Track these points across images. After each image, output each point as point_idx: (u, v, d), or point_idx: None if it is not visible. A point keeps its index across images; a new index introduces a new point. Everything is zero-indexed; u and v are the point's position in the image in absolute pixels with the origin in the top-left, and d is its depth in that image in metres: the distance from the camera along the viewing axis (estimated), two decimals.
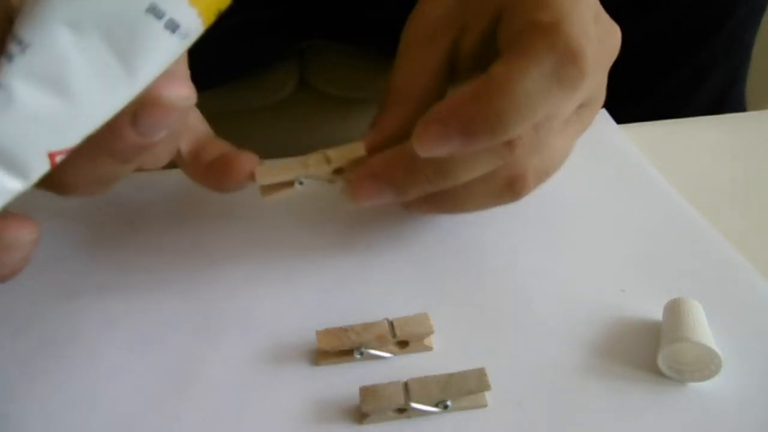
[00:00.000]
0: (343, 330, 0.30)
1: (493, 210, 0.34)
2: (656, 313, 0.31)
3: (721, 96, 0.58)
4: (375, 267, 0.35)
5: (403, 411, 0.27)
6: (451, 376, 0.27)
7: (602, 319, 0.31)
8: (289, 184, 0.32)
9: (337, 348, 0.29)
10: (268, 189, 0.32)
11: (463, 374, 0.27)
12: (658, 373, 0.28)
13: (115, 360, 0.31)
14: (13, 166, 0.20)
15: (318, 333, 0.30)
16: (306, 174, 0.32)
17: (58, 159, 0.20)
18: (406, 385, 0.27)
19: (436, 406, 0.27)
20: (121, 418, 0.28)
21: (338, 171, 0.32)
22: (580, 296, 0.32)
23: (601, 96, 0.33)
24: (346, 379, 0.29)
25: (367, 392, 0.27)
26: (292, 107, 0.60)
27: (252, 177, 0.31)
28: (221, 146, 0.33)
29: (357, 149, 0.32)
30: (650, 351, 0.29)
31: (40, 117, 0.19)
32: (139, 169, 0.28)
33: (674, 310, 0.29)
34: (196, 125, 0.33)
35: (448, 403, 0.27)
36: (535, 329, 0.31)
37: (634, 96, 0.45)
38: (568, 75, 0.26)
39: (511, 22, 0.30)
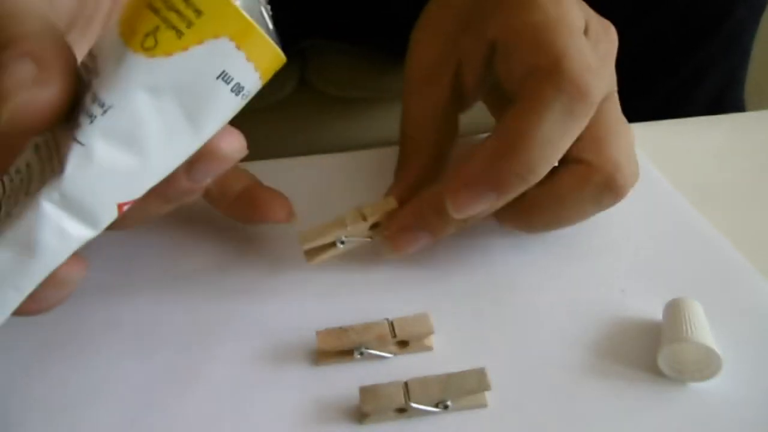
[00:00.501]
0: (343, 330, 0.30)
1: None
2: (656, 313, 0.31)
3: (720, 96, 0.58)
4: (375, 267, 0.35)
5: (403, 411, 0.27)
6: (451, 376, 0.27)
7: (602, 319, 0.31)
8: (332, 245, 0.33)
9: (337, 348, 0.29)
10: (312, 252, 0.34)
11: (463, 374, 0.27)
12: (658, 373, 0.28)
13: (115, 360, 0.31)
14: (87, 216, 0.21)
15: (318, 333, 0.30)
16: (345, 233, 0.33)
17: (125, 209, 0.22)
18: (406, 385, 0.27)
19: (436, 406, 0.27)
20: (122, 417, 0.28)
21: (374, 226, 0.34)
22: (580, 296, 0.32)
23: (614, 85, 0.33)
24: (346, 379, 0.29)
25: (367, 392, 0.27)
26: (292, 107, 0.60)
27: (285, 220, 0.33)
28: (244, 177, 0.34)
29: (390, 203, 0.34)
30: (650, 351, 0.29)
31: (114, 173, 0.21)
32: None
33: (674, 310, 0.29)
34: None
35: (448, 403, 0.27)
36: (535, 329, 0.31)
37: (632, 96, 0.45)
38: (579, 110, 0.27)
39: (508, 61, 0.31)
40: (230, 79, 0.21)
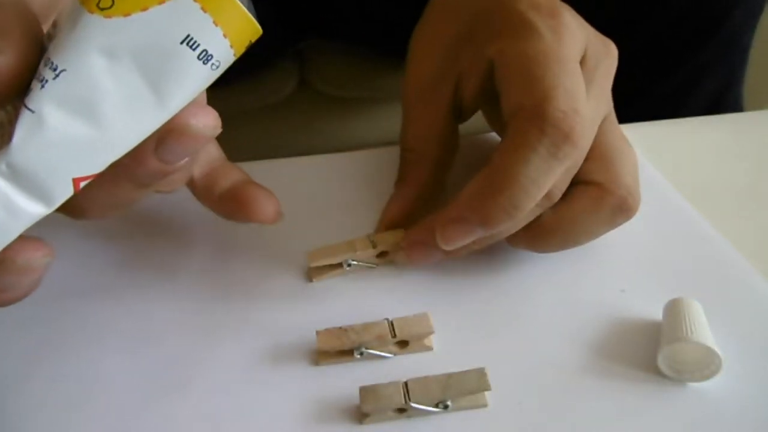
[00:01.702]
0: (343, 330, 0.30)
1: None
2: (656, 313, 0.30)
3: (719, 98, 0.58)
4: (376, 267, 0.35)
5: (403, 411, 0.27)
6: (451, 376, 0.27)
7: (602, 319, 0.31)
8: (338, 266, 0.34)
9: (337, 348, 0.29)
10: (318, 271, 0.34)
11: (463, 374, 0.27)
12: (658, 373, 0.28)
13: (114, 360, 0.31)
14: (38, 191, 0.20)
15: (318, 333, 0.30)
16: (353, 257, 0.34)
17: (82, 185, 0.20)
18: (406, 385, 0.27)
19: (436, 406, 0.27)
20: (121, 417, 0.28)
21: (382, 255, 0.34)
22: (580, 296, 0.32)
23: (611, 105, 0.34)
24: (346, 379, 0.29)
25: (367, 392, 0.27)
26: (292, 107, 0.60)
27: (271, 221, 0.32)
28: (234, 174, 0.33)
29: (399, 234, 0.34)
30: (650, 351, 0.29)
31: (68, 143, 0.19)
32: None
33: (674, 310, 0.29)
34: (210, 149, 0.33)
35: (448, 403, 0.27)
36: (535, 329, 0.31)
37: (631, 98, 0.46)
38: (563, 152, 0.28)
39: (501, 89, 0.31)
40: (196, 44, 0.19)
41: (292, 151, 0.45)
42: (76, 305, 0.34)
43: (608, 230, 0.33)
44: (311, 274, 0.34)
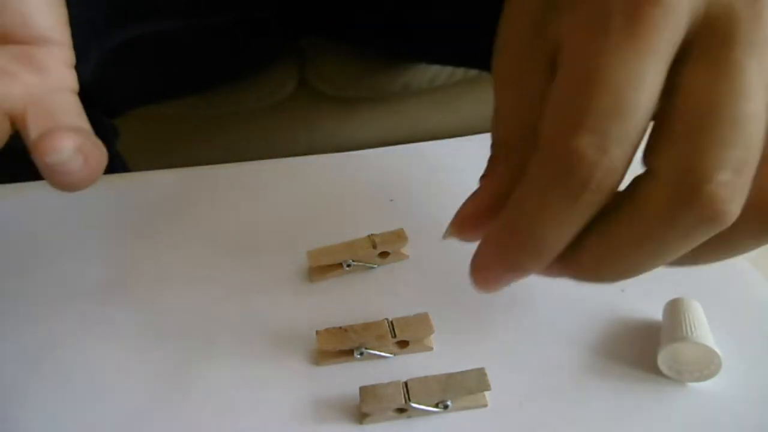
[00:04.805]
0: (343, 330, 0.30)
1: None
2: (656, 313, 0.31)
3: None
4: (376, 267, 0.35)
5: (403, 411, 0.27)
6: (451, 376, 0.27)
7: (602, 319, 0.31)
8: (338, 266, 0.34)
9: (337, 348, 0.29)
10: (318, 271, 0.34)
11: (463, 374, 0.27)
12: (658, 373, 0.28)
13: (115, 360, 0.31)
14: None
15: (318, 333, 0.30)
16: (353, 257, 0.34)
17: None
18: (406, 385, 0.27)
19: (436, 406, 0.27)
20: (122, 417, 0.28)
21: (382, 254, 0.34)
22: (580, 296, 0.32)
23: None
24: (346, 379, 0.29)
25: (367, 392, 0.27)
26: (292, 107, 0.60)
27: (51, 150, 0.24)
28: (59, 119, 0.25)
29: (400, 234, 0.34)
30: (650, 351, 0.29)
31: None
32: None
33: (674, 310, 0.29)
34: (62, 114, 0.26)
35: (448, 403, 0.27)
36: (535, 329, 0.31)
37: None
38: (582, 199, 0.22)
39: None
40: None
41: (292, 151, 0.45)
42: (76, 305, 0.34)
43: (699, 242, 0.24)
44: (311, 274, 0.34)
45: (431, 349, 0.30)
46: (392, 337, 0.30)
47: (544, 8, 0.27)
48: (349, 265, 0.34)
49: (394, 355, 0.30)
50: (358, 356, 0.30)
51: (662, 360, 0.28)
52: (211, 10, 0.50)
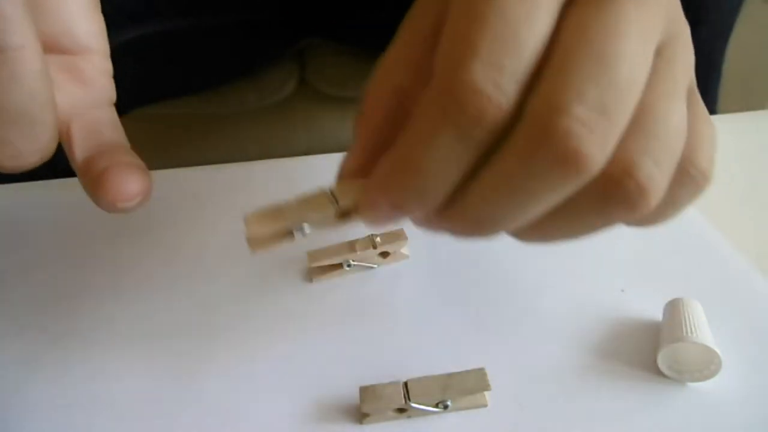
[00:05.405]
0: (278, 208, 0.25)
1: None
2: (656, 313, 0.31)
3: None
4: (376, 267, 0.35)
5: (403, 411, 0.27)
6: (451, 376, 0.27)
7: (602, 319, 0.31)
8: (338, 266, 0.34)
9: (273, 229, 0.25)
10: (317, 271, 0.34)
11: (463, 374, 0.27)
12: (658, 373, 0.28)
13: (114, 360, 0.31)
14: None
15: (247, 216, 0.25)
16: (353, 257, 0.34)
17: None
18: (406, 385, 0.27)
19: (436, 406, 0.27)
20: (122, 417, 0.28)
21: (383, 255, 0.35)
22: (580, 296, 0.32)
23: (683, 25, 0.23)
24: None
25: (367, 392, 0.27)
26: (292, 107, 0.60)
27: (127, 200, 0.25)
28: (119, 158, 0.26)
29: (400, 234, 0.34)
30: (650, 351, 0.29)
31: None
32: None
33: (674, 310, 0.29)
34: (104, 130, 0.26)
35: (448, 403, 0.27)
36: (535, 329, 0.31)
37: None
38: (471, 135, 0.21)
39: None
40: None
41: (292, 151, 0.45)
42: (76, 305, 0.34)
43: (611, 224, 0.23)
44: (311, 274, 0.34)
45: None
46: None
47: None
48: (349, 265, 0.34)
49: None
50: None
51: (662, 360, 0.28)
52: (211, 10, 0.50)
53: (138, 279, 0.35)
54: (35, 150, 0.23)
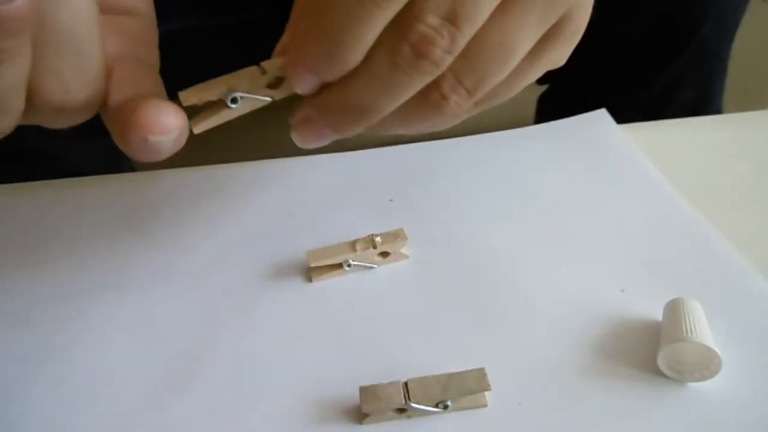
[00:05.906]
0: (210, 81, 0.26)
1: (493, 209, 0.33)
2: (656, 313, 0.31)
3: (697, 110, 0.58)
4: (376, 267, 0.35)
5: (403, 411, 0.27)
6: (451, 376, 0.27)
7: (602, 319, 0.31)
8: (338, 266, 0.34)
9: (206, 99, 0.25)
10: (317, 271, 0.34)
11: (463, 374, 0.27)
12: (658, 373, 0.28)
13: (115, 360, 0.31)
14: None
15: (181, 92, 0.25)
16: (353, 257, 0.34)
17: None
18: (406, 385, 0.27)
19: (436, 406, 0.27)
20: (122, 417, 0.28)
21: (383, 255, 0.35)
22: (580, 296, 0.32)
23: None
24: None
25: (367, 392, 0.27)
26: (292, 107, 0.60)
27: (165, 131, 0.24)
28: (142, 81, 0.26)
29: (400, 234, 0.35)
30: (650, 351, 0.29)
31: None
32: (44, 100, 0.22)
33: (674, 310, 0.29)
34: (145, 83, 0.26)
35: (448, 403, 0.27)
36: (535, 329, 0.31)
37: (607, 109, 0.46)
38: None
39: None
40: None
41: (292, 151, 0.45)
42: (76, 305, 0.34)
43: (422, 123, 0.27)
44: (311, 274, 0.34)
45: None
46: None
47: None
48: (349, 265, 0.34)
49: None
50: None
51: (662, 360, 0.28)
52: (211, 10, 0.50)
53: (138, 279, 0.35)
54: (83, 85, 0.23)
